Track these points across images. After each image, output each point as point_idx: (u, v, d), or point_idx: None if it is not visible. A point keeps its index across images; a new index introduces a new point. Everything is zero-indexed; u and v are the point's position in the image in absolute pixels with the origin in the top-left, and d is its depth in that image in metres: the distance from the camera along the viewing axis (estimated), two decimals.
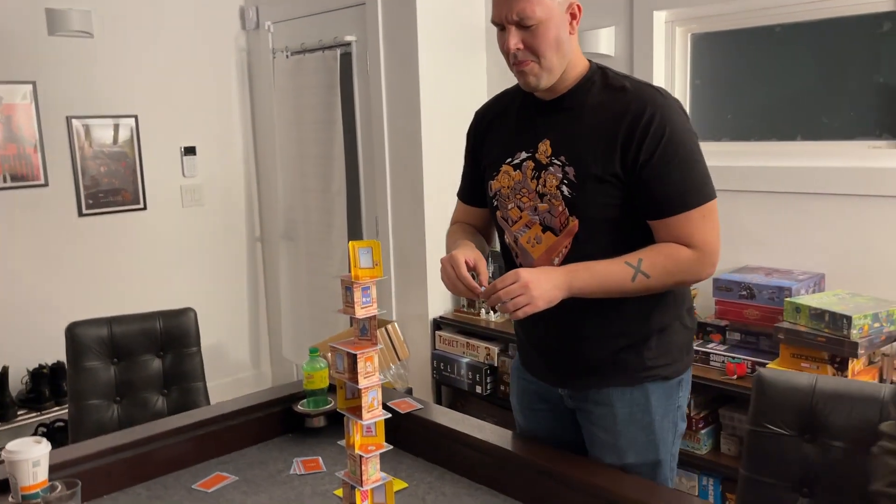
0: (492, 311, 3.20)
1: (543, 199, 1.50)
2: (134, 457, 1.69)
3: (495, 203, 1.61)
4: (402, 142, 3.30)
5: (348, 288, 1.14)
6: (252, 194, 4.28)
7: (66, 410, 3.29)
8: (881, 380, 2.22)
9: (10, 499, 1.44)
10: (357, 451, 1.17)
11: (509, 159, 1.56)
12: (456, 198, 1.84)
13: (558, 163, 1.48)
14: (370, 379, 1.16)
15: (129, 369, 2.54)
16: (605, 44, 2.89)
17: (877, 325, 2.14)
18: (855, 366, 2.13)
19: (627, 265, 1.41)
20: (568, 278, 1.40)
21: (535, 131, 1.54)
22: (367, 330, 1.17)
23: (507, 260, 1.67)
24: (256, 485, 1.65)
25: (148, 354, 2.57)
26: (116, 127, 3.70)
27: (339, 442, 1.22)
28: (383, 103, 3.34)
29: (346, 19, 3.51)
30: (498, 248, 1.75)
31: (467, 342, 3.18)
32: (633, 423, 1.56)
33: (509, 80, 3.33)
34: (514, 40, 1.43)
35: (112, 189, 3.71)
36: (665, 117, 1.41)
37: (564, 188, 1.47)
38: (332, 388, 1.94)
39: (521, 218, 1.56)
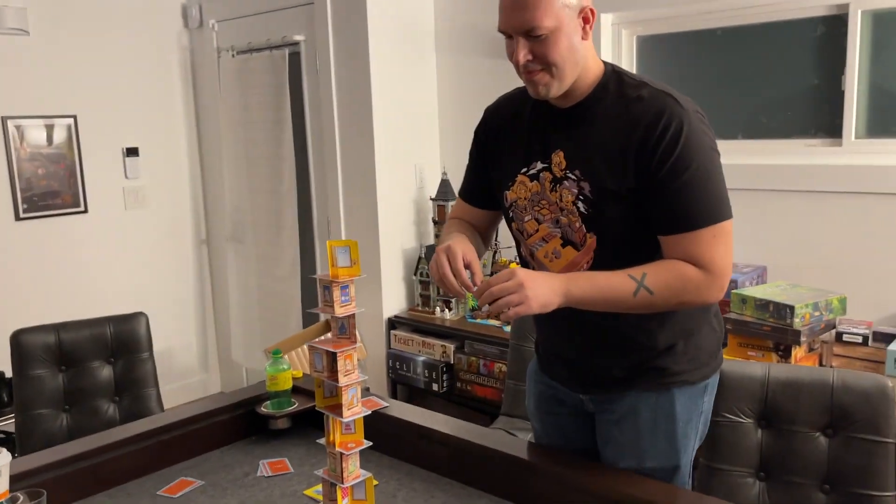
0: (447, 310, 3.23)
1: (563, 213, 1.44)
2: (95, 465, 1.65)
3: (511, 214, 1.54)
4: (354, 142, 3.30)
5: (326, 287, 1.15)
6: (198, 195, 4.19)
7: (8, 422, 3.18)
8: (821, 365, 2.34)
9: None
10: (337, 449, 1.18)
11: (525, 169, 1.49)
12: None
13: (573, 177, 1.41)
14: (350, 377, 1.17)
15: (79, 377, 2.47)
16: None
17: (817, 313, 2.26)
18: (797, 353, 2.24)
19: (631, 278, 1.34)
20: (567, 285, 1.34)
21: (548, 141, 1.46)
22: (345, 328, 1.18)
23: None
24: (223, 488, 1.64)
25: (98, 361, 2.50)
26: (54, 128, 3.58)
27: (318, 440, 1.23)
28: (334, 103, 3.32)
29: (294, 18, 3.48)
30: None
31: (423, 341, 3.20)
32: (657, 428, 1.51)
33: (458, 83, 3.39)
34: (523, 52, 1.34)
35: (50, 192, 3.58)
36: (680, 128, 1.33)
37: (580, 204, 1.40)
38: (295, 390, 1.93)
39: (537, 231, 1.49)
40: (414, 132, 3.39)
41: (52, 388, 2.43)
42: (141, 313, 2.57)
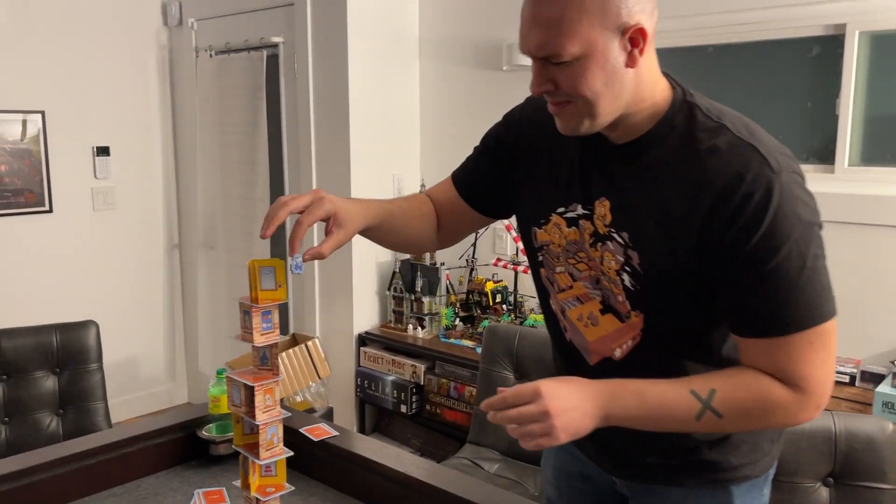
0: (420, 328, 3.09)
1: (605, 277, 1.14)
2: (7, 491, 1.50)
3: (540, 258, 1.24)
4: (330, 149, 3.17)
5: (247, 312, 1.01)
6: (170, 199, 4.05)
7: None
8: None
9: None
10: (253, 494, 1.04)
11: (562, 209, 1.18)
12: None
13: (619, 240, 1.10)
14: (270, 413, 1.03)
15: (20, 387, 2.33)
16: None
17: None
18: None
19: (693, 396, 1.03)
20: (607, 406, 1.04)
21: (591, 182, 1.14)
22: (267, 359, 1.04)
23: (553, 327, 1.29)
24: None
25: (41, 371, 2.36)
26: (21, 123, 3.44)
27: (233, 482, 1.09)
28: (310, 108, 3.20)
29: (273, 20, 3.36)
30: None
31: (393, 359, 3.06)
32: None
33: (442, 93, 3.27)
34: (539, 79, 1.05)
35: (14, 189, 3.44)
36: (768, 198, 0.98)
37: (626, 276, 1.10)
38: None
39: (571, 287, 1.20)
40: (393, 141, 3.27)
41: None
42: (91, 321, 2.43)
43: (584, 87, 1.02)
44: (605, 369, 1.17)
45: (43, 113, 3.49)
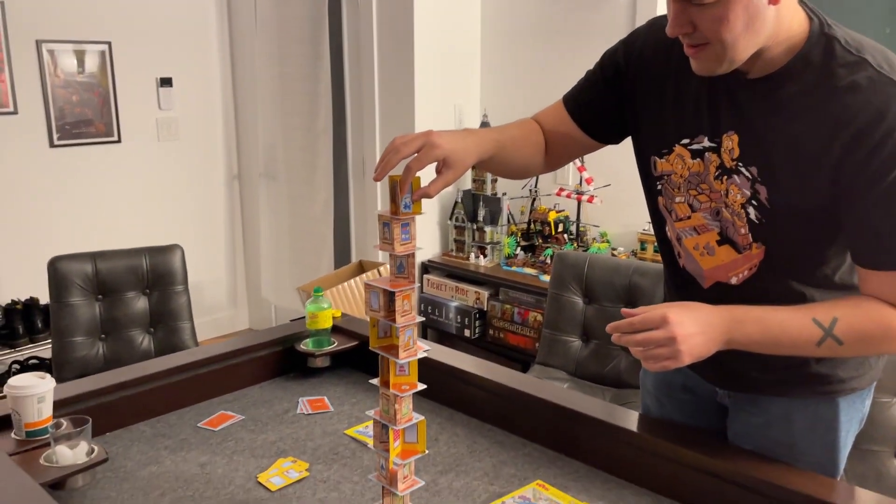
0: (481, 256, 3.17)
1: (727, 209, 1.17)
2: (136, 395, 1.64)
3: (659, 186, 1.26)
4: (393, 80, 3.21)
5: (386, 224, 1.09)
6: (230, 130, 4.13)
7: (42, 348, 3.21)
8: None
9: (12, 434, 1.38)
10: (391, 391, 1.14)
11: (686, 140, 1.18)
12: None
13: (747, 174, 1.12)
14: (407, 317, 1.12)
15: (114, 306, 2.47)
16: None
17: None
18: None
19: (815, 324, 1.06)
20: (729, 330, 1.07)
21: (719, 115, 1.14)
22: (404, 267, 1.12)
23: (667, 253, 1.32)
24: (264, 423, 1.62)
25: (133, 291, 2.50)
26: (87, 53, 3.51)
27: (371, 380, 1.19)
28: (374, 38, 3.22)
29: None
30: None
31: (456, 286, 3.16)
32: (814, 438, 1.26)
33: (502, 20, 3.25)
34: (677, 21, 1.03)
35: (84, 120, 3.54)
36: None
37: (751, 210, 1.13)
38: (335, 329, 1.91)
39: (689, 217, 1.22)
40: (454, 71, 3.29)
41: (89, 317, 2.43)
42: (177, 245, 2.55)
43: (726, 31, 1.00)
44: (720, 292, 1.21)
45: (109, 44, 3.55)
